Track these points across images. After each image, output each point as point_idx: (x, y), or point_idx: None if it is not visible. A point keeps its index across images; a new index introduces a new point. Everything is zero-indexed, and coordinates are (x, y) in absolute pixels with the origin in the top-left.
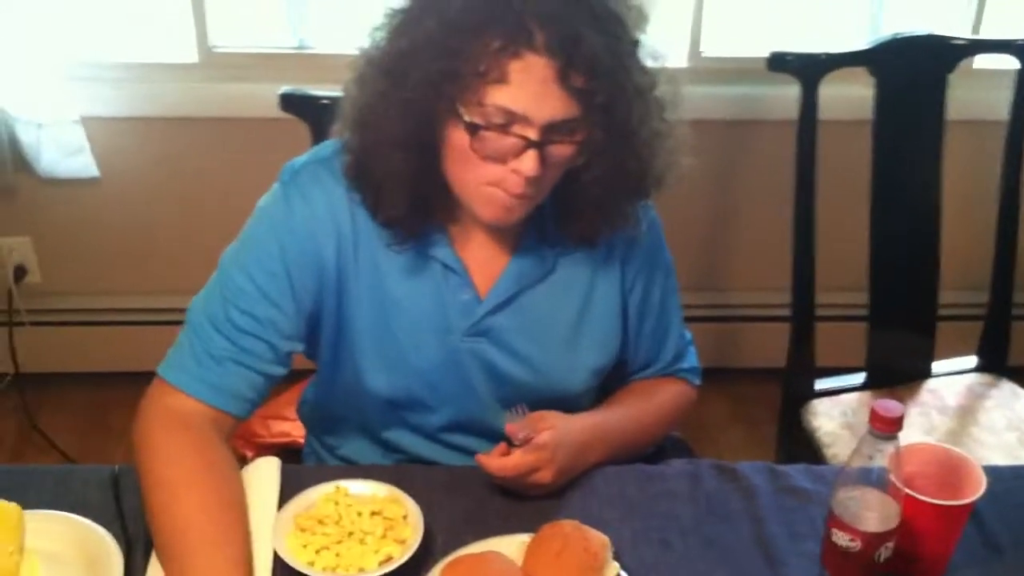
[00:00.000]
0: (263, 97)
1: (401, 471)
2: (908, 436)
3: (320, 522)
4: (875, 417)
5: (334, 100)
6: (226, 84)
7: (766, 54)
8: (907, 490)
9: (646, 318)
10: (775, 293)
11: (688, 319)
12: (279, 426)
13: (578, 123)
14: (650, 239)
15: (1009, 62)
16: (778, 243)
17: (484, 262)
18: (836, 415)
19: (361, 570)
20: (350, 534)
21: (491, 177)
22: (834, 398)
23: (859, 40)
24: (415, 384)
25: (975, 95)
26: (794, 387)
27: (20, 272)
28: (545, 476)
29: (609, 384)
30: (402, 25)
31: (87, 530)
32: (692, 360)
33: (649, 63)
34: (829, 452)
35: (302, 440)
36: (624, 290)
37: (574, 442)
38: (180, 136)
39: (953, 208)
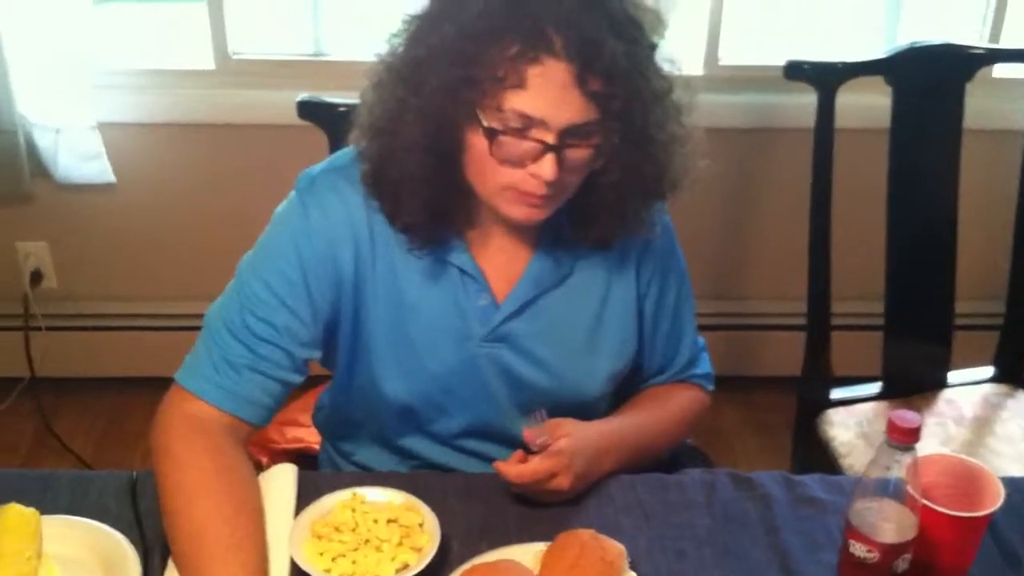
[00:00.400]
0: (280, 104)
1: (417, 478)
2: (925, 447)
3: (337, 529)
4: (892, 428)
5: (351, 107)
6: (243, 91)
7: (782, 63)
8: (924, 501)
9: (660, 322)
10: (791, 302)
11: (703, 327)
12: (293, 432)
13: (595, 127)
14: (663, 243)
15: None
16: (794, 251)
17: (501, 267)
18: (852, 425)
19: None
20: (366, 541)
21: (510, 180)
22: (850, 408)
23: (874, 49)
24: (432, 390)
25: (993, 104)
26: (809, 396)
27: (36, 277)
28: (563, 483)
29: (623, 390)
30: (419, 31)
31: (105, 535)
32: (706, 366)
33: (666, 68)
34: (845, 462)
35: (316, 446)
36: (639, 293)
37: (591, 449)
38: (197, 142)
39: (970, 217)
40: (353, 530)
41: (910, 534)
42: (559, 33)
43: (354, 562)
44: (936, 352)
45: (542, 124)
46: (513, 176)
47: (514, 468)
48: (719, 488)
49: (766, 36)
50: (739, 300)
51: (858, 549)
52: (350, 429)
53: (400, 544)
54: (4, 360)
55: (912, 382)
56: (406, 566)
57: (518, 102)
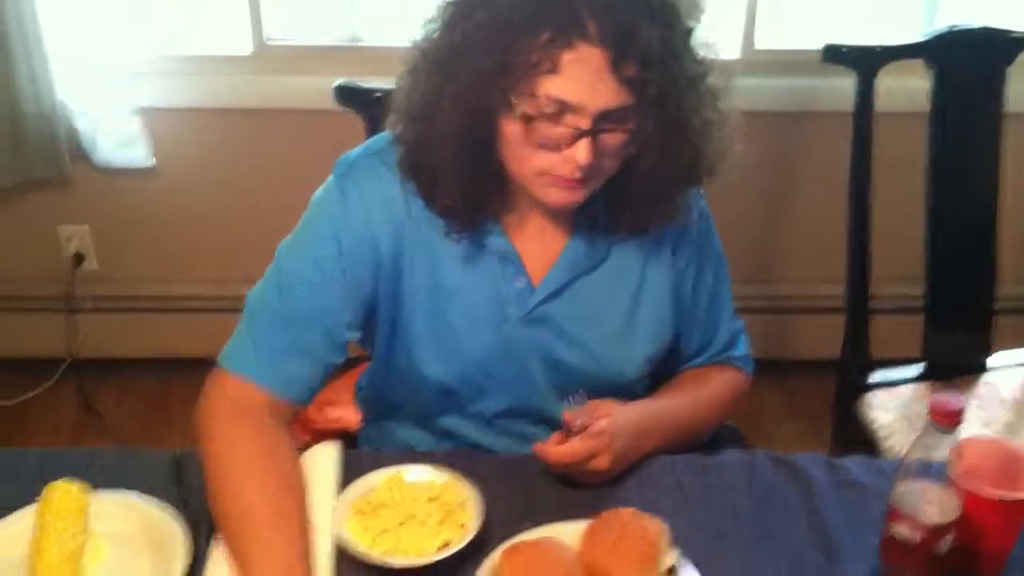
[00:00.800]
0: (316, 89)
1: (459, 457)
2: (966, 429)
3: (380, 507)
4: (935, 410)
5: (388, 93)
6: (280, 76)
7: (818, 46)
8: (967, 484)
9: (698, 305)
10: (829, 285)
11: (742, 310)
12: (333, 412)
13: (630, 112)
14: (700, 227)
15: None
16: (832, 234)
17: (538, 251)
18: (892, 408)
19: (420, 554)
20: (409, 518)
21: (546, 165)
22: (890, 390)
23: (909, 32)
24: (471, 371)
25: None
26: (849, 379)
27: (78, 259)
28: (602, 463)
29: (662, 372)
30: (454, 18)
31: (153, 512)
32: (744, 348)
33: (702, 52)
34: (886, 444)
35: (355, 426)
36: (676, 277)
37: (630, 429)
38: (235, 127)
39: (1011, 201)
40: (396, 508)
41: (952, 516)
42: (593, 18)
43: (397, 539)
44: (977, 335)
45: (576, 109)
46: (548, 161)
47: (554, 449)
48: (759, 470)
49: (801, 19)
50: (777, 283)
51: (901, 531)
52: (390, 409)
53: (442, 522)
54: (47, 342)
55: (953, 365)
56: (448, 543)
57: (552, 87)
